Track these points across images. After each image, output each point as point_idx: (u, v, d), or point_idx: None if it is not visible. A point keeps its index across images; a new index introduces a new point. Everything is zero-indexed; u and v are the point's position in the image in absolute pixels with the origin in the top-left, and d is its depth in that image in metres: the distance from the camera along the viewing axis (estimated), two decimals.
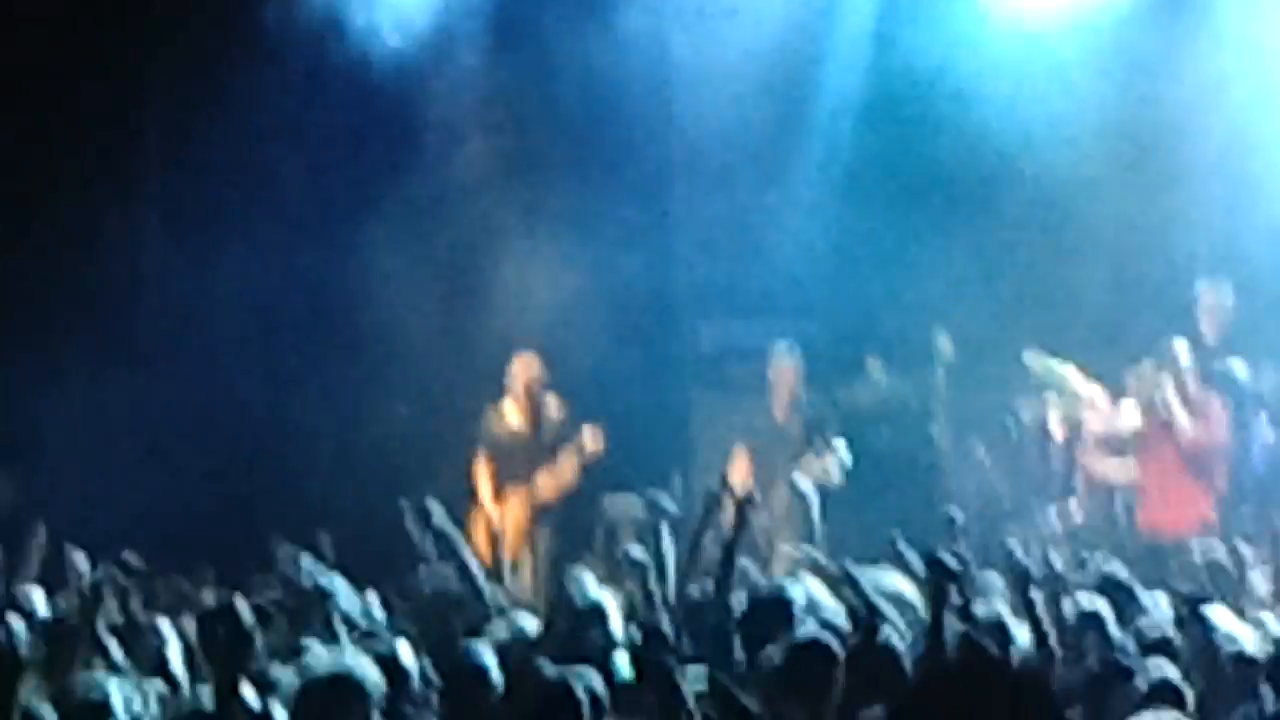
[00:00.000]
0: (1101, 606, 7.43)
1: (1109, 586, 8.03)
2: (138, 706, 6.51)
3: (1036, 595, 6.94)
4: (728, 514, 8.51)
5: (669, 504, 8.93)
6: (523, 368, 11.54)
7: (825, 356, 11.77)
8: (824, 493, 10.49)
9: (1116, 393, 11.47)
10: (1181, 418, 11.00)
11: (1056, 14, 12.14)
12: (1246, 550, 9.13)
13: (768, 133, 12.27)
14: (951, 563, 6.37)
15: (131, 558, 8.47)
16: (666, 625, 7.16)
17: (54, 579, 8.73)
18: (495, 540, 10.40)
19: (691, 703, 5.78)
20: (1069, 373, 11.49)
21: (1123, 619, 7.51)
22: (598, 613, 7.40)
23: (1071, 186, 11.73)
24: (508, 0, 12.46)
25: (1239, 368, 11.20)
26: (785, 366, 11.85)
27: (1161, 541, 10.79)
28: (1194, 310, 11.30)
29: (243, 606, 6.15)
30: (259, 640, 6.35)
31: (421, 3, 12.50)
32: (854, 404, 11.77)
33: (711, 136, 12.35)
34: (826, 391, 11.75)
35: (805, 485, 10.13)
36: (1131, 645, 7.11)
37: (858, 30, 12.39)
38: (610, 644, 7.10)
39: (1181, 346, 11.01)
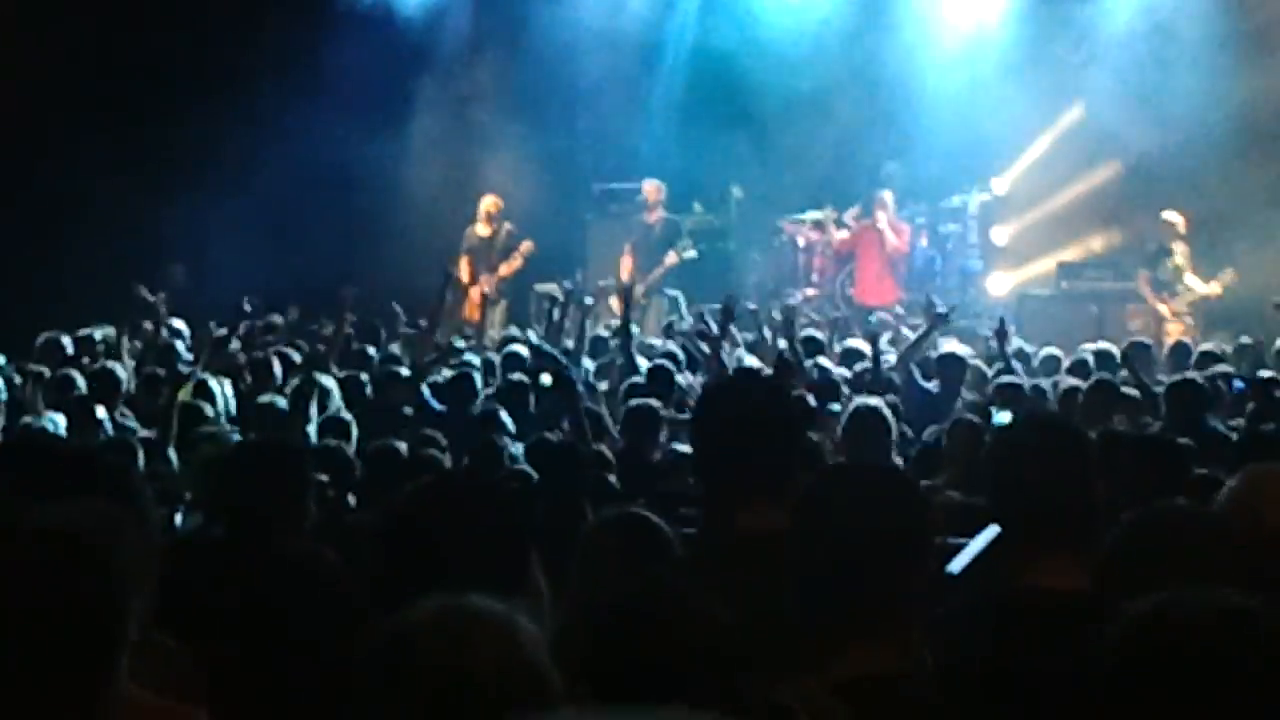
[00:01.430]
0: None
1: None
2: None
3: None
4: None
5: (571, 285, 12.45)
6: (488, 201, 16.03)
7: (671, 202, 16.34)
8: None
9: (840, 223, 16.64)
10: (887, 233, 16.08)
11: None
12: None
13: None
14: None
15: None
16: (570, 355, 10.38)
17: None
18: (474, 305, 15.29)
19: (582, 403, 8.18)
20: (816, 213, 16.79)
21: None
22: (531, 347, 11.00)
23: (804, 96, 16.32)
24: None
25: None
26: (652, 187, 16.16)
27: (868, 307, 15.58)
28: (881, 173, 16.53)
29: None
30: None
31: None
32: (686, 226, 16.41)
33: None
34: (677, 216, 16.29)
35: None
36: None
37: None
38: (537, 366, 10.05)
39: (888, 195, 16.15)
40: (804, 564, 3.22)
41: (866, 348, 10.53)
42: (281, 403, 8.65)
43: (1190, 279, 15.22)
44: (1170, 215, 15.45)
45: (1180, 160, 15.84)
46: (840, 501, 3.24)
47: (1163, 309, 15.13)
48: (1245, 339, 11.98)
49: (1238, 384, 8.63)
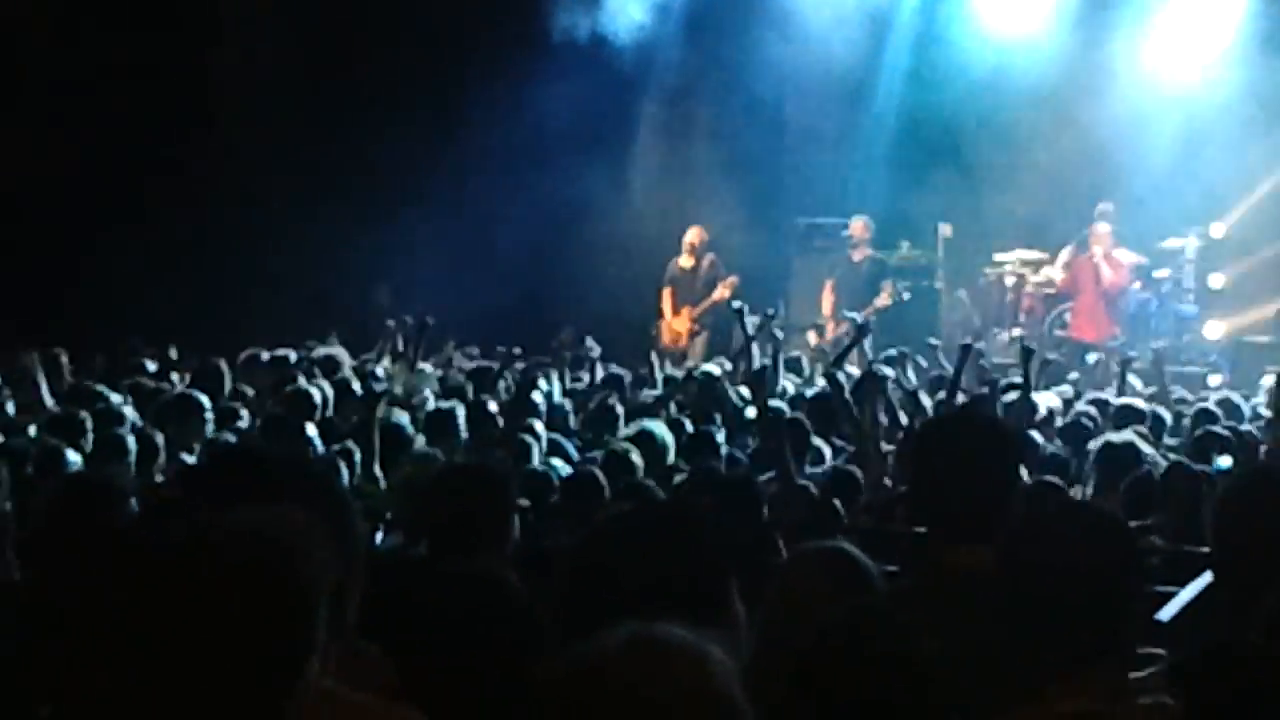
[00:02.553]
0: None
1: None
2: None
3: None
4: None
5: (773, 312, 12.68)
6: (693, 233, 16.18)
7: (878, 238, 16.22)
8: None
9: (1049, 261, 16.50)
10: (1103, 267, 15.80)
11: None
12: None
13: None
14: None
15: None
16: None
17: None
18: (676, 337, 15.78)
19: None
20: (1025, 253, 16.66)
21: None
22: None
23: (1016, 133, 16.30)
24: None
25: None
26: (859, 224, 16.11)
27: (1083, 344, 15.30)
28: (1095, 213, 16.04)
29: None
30: None
31: None
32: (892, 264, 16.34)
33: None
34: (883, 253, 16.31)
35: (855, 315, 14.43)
36: None
37: None
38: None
39: (1103, 228, 15.81)
40: (1015, 600, 3.25)
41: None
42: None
43: None
44: None
45: None
46: (1050, 539, 3.25)
47: None
48: None
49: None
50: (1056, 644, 3.15)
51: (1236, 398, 11.48)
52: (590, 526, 3.38)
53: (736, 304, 12.27)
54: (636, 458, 7.64)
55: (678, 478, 7.75)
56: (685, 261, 16.33)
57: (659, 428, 8.52)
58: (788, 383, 11.20)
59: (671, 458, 8.35)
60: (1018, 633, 3.22)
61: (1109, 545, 3.24)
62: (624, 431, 8.87)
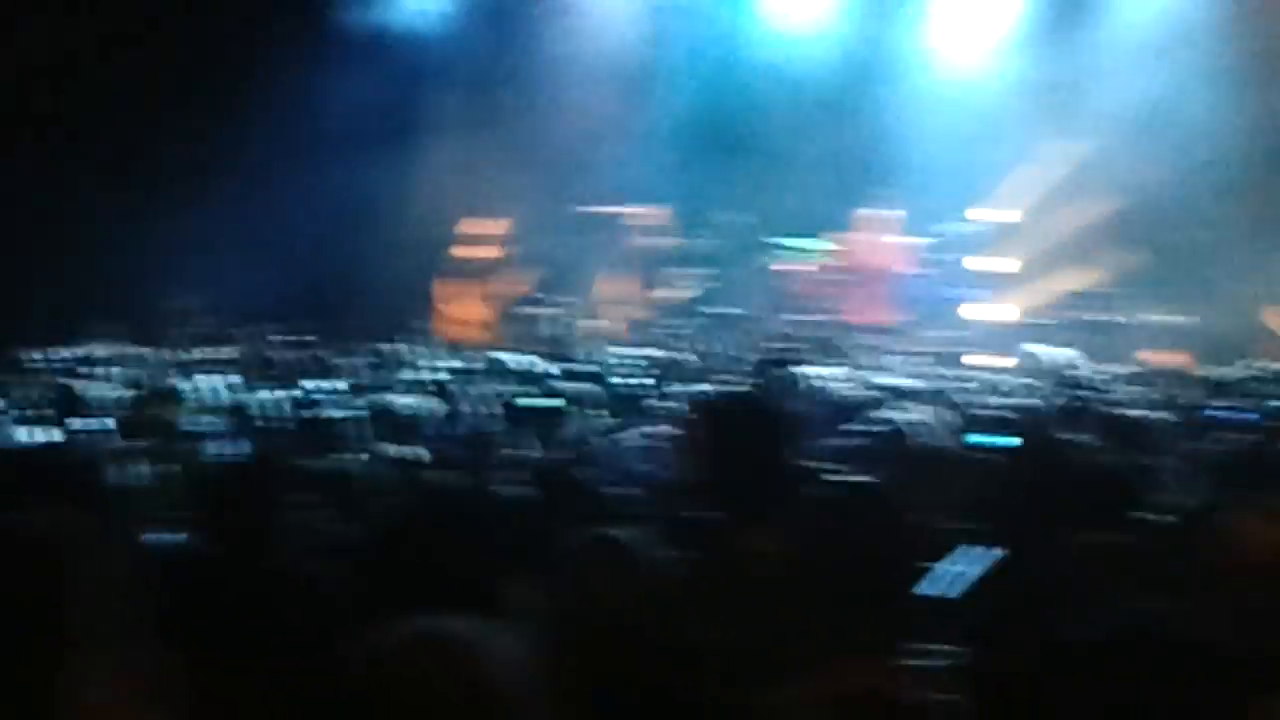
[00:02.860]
0: None
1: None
2: None
3: None
4: None
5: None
6: (481, 224, 16.25)
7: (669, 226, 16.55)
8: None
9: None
10: (875, 253, 16.00)
11: None
12: None
13: None
14: None
15: None
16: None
17: None
18: (463, 327, 15.68)
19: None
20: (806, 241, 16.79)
21: None
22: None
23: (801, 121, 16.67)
24: None
25: None
26: (647, 212, 16.20)
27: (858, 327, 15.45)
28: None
29: None
30: None
31: None
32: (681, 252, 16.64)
33: None
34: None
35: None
36: None
37: None
38: None
39: (874, 214, 16.04)
40: (801, 584, 3.30)
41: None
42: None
43: None
44: None
45: (1181, 190, 15.91)
46: (833, 521, 3.33)
47: None
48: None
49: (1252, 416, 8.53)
50: (841, 624, 3.19)
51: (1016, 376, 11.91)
52: (376, 521, 3.40)
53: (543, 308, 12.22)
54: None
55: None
56: (478, 253, 16.50)
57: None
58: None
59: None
60: (804, 614, 3.25)
61: (890, 526, 3.31)
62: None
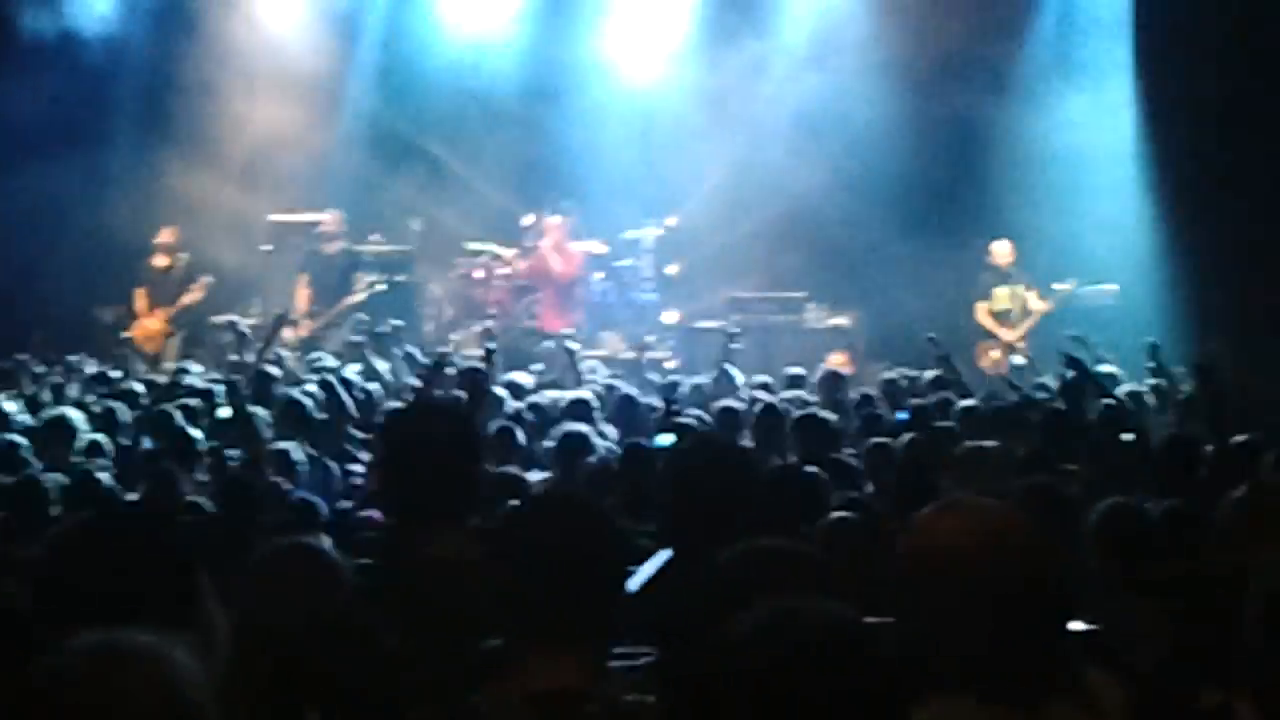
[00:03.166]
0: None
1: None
2: None
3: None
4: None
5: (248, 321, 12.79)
6: (166, 233, 16.03)
7: (351, 232, 16.41)
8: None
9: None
10: (551, 259, 16.30)
11: None
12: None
13: None
14: None
15: None
16: (243, 385, 9.90)
17: None
18: (150, 338, 15.59)
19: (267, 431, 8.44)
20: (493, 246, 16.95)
21: None
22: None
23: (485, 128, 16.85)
24: None
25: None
26: (331, 218, 16.08)
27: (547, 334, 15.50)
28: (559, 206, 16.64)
29: None
30: None
31: None
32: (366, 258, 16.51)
33: None
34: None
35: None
36: None
37: None
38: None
39: (553, 221, 16.22)
40: (501, 587, 3.29)
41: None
42: None
43: (1034, 302, 15.95)
44: (999, 246, 16.14)
45: (846, 195, 16.50)
46: (535, 528, 3.31)
47: (1007, 337, 15.87)
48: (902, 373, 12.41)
49: (900, 414, 8.93)
50: (539, 626, 3.21)
51: (698, 379, 12.16)
52: (49, 536, 3.36)
53: (227, 319, 11.99)
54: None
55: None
56: (159, 262, 16.22)
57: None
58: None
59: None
60: (502, 617, 3.26)
61: (583, 528, 3.32)
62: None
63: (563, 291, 16.44)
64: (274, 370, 11.22)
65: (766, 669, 2.54)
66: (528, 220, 16.83)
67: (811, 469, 6.94)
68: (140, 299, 16.04)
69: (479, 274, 16.93)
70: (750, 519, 3.70)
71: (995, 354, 15.74)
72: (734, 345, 12.64)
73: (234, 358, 11.59)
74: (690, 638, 3.44)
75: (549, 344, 14.88)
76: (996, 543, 2.98)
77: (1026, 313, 15.97)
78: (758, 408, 9.54)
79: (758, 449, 8.29)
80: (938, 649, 2.97)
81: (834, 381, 11.69)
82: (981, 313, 16.04)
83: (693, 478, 3.83)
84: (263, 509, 6.82)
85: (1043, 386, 11.53)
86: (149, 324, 15.93)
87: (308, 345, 15.06)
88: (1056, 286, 15.87)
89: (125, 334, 15.49)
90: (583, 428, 8.44)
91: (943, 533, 3.04)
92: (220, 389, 10.19)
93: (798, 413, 9.09)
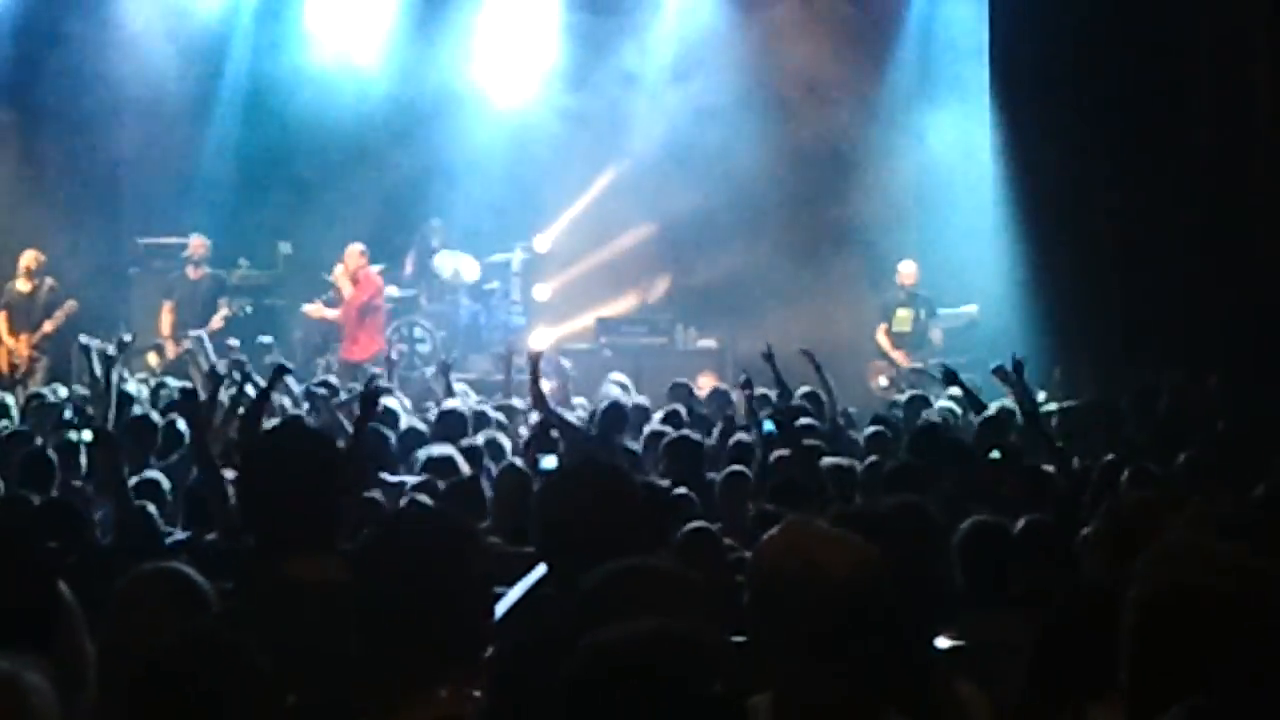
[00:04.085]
0: None
1: None
2: None
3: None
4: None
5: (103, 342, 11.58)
6: (29, 256, 15.71)
7: (220, 257, 16.34)
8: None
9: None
10: (344, 288, 15.83)
11: None
12: None
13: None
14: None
15: None
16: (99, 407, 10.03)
17: None
18: (16, 362, 15.45)
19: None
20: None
21: None
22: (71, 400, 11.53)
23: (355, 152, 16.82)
24: None
25: None
26: (198, 242, 16.00)
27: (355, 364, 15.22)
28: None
29: None
30: None
31: None
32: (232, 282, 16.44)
33: None
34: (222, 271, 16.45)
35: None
36: None
37: None
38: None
39: (354, 248, 15.86)
40: (367, 612, 3.26)
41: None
42: None
43: (934, 334, 15.97)
44: (905, 266, 16.13)
45: (713, 218, 16.65)
46: (399, 550, 3.28)
47: (900, 359, 15.81)
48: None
49: (768, 426, 9.02)
50: (409, 651, 3.17)
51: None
52: None
53: (84, 340, 11.83)
54: None
55: None
56: (22, 285, 15.99)
57: None
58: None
59: None
60: (371, 644, 3.21)
61: (455, 551, 3.29)
62: None
63: (357, 319, 16.06)
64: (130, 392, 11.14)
65: (584, 687, 2.62)
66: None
67: (680, 490, 7.00)
68: (1, 321, 15.84)
69: (313, 311, 16.59)
70: (621, 540, 3.71)
71: (884, 377, 15.77)
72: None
73: (88, 380, 11.36)
74: (540, 654, 3.44)
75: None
76: (819, 567, 3.09)
77: (926, 339, 15.92)
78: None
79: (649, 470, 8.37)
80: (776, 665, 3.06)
81: (687, 394, 11.80)
82: (880, 333, 16.09)
83: (567, 498, 3.83)
84: (126, 537, 6.74)
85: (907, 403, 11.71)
86: (16, 349, 15.75)
87: (170, 370, 14.91)
88: (955, 310, 15.96)
89: None
90: (445, 450, 8.41)
91: (770, 556, 3.17)
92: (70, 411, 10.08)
93: (670, 435, 9.15)
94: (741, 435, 9.64)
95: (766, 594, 3.12)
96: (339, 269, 16.09)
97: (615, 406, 10.42)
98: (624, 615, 2.97)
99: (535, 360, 10.57)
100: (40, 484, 8.04)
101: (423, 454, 8.52)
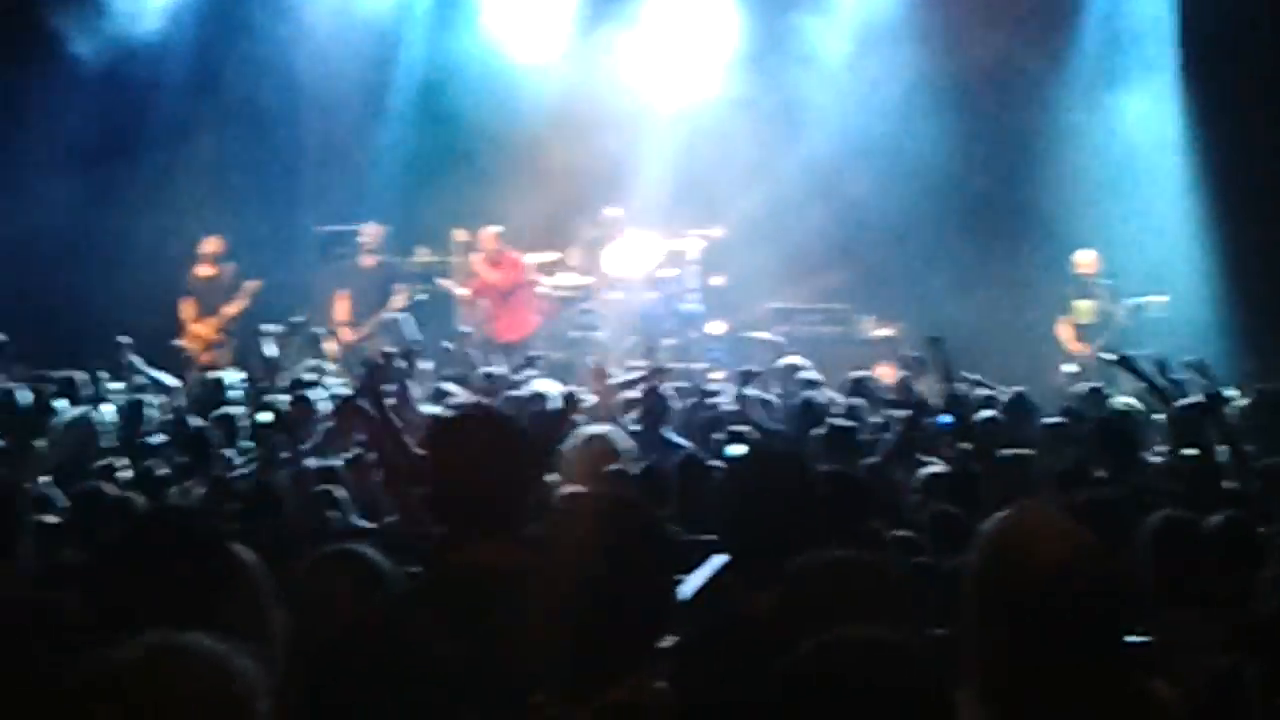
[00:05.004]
0: None
1: None
2: None
3: None
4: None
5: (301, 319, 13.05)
6: (211, 242, 16.10)
7: (395, 244, 16.55)
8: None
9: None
10: (484, 274, 16.22)
11: None
12: None
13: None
14: None
15: None
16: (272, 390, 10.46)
17: None
18: (200, 347, 15.66)
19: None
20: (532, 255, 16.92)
21: None
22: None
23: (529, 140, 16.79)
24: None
25: None
26: (371, 230, 16.24)
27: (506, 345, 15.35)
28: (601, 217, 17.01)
29: None
30: None
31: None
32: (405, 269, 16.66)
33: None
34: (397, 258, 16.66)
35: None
36: None
37: None
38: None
39: (483, 234, 16.20)
40: (548, 598, 3.25)
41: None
42: None
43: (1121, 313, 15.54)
44: (1084, 255, 15.82)
45: (892, 204, 16.48)
46: (585, 534, 3.27)
47: (1081, 351, 15.47)
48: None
49: (945, 418, 8.90)
50: (590, 638, 3.17)
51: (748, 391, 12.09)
52: (106, 539, 3.35)
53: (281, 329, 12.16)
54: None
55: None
56: (205, 271, 16.30)
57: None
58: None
59: None
60: (557, 629, 3.22)
61: (644, 537, 3.29)
62: None
63: (506, 300, 16.28)
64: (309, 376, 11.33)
65: (803, 689, 2.57)
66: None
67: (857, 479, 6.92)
68: (187, 308, 16.11)
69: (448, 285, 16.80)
70: (810, 529, 3.68)
71: (1070, 367, 15.33)
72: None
73: (265, 365, 11.66)
74: (745, 648, 3.40)
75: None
76: (1065, 554, 3.01)
77: (1109, 330, 15.43)
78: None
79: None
80: (992, 657, 2.97)
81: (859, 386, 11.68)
82: (1062, 324, 15.76)
83: (756, 487, 3.77)
84: (307, 519, 6.83)
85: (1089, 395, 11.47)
86: (199, 332, 16.02)
87: (348, 356, 15.18)
88: (1142, 300, 15.50)
89: (177, 342, 15.58)
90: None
91: (994, 539, 3.08)
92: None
93: (833, 423, 9.07)
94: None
95: (984, 578, 3.06)
96: (477, 255, 16.28)
97: (808, 404, 10.30)
98: (827, 607, 2.99)
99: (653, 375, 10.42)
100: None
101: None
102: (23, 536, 4.78)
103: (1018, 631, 2.96)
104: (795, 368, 12.43)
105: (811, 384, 11.66)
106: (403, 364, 9.95)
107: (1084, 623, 2.96)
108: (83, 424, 9.12)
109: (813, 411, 9.85)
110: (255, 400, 10.02)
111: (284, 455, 8.06)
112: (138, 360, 11.89)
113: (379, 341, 15.26)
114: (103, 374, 12.13)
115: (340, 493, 7.45)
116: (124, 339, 12.27)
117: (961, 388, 10.51)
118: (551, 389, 10.45)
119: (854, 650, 2.62)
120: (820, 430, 8.93)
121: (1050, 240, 16.37)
